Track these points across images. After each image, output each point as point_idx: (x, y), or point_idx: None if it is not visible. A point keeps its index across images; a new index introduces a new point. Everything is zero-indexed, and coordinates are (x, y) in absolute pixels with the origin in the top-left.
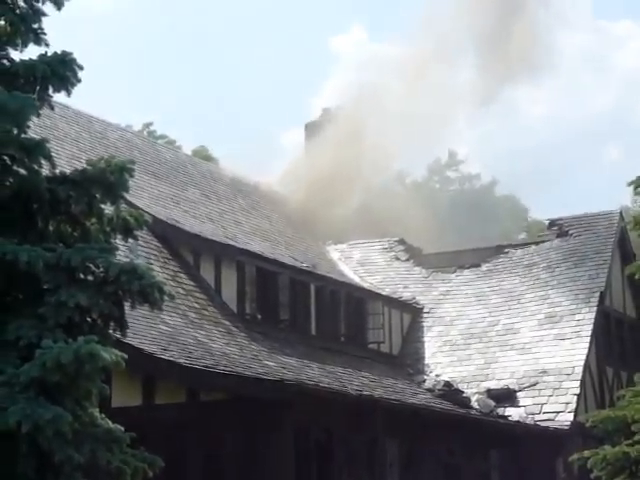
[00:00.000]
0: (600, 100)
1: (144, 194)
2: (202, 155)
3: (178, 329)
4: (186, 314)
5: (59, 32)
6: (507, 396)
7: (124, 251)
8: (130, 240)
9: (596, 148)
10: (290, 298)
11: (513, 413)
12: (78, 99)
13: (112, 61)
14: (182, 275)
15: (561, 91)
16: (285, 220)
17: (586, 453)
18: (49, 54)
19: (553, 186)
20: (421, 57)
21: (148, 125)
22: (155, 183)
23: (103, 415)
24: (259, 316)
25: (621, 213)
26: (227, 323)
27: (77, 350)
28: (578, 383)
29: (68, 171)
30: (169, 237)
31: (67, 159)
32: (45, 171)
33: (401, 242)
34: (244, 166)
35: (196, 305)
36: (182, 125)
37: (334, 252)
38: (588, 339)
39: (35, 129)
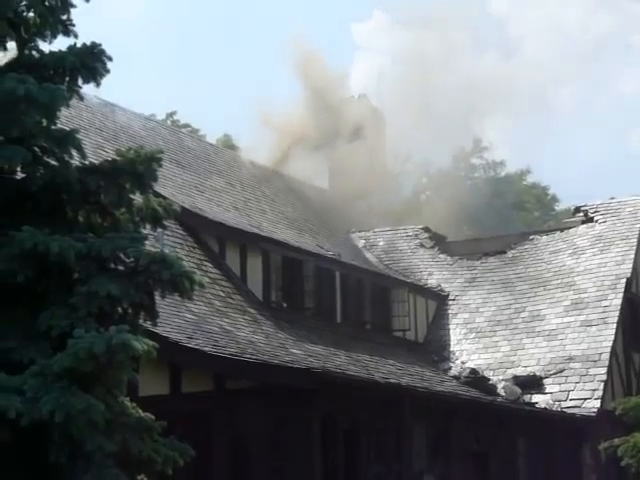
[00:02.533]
0: (629, 83)
1: (168, 183)
2: (226, 144)
3: (203, 317)
4: (211, 302)
5: (87, 22)
6: (533, 383)
7: (150, 240)
8: (158, 230)
9: (624, 132)
10: (315, 286)
11: (540, 400)
12: (102, 88)
13: (136, 50)
14: (207, 263)
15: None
16: (309, 208)
17: (616, 441)
18: (78, 45)
19: (580, 173)
20: (444, 43)
21: (172, 114)
22: (179, 172)
23: (134, 404)
24: (285, 304)
25: None
26: (253, 311)
27: (109, 340)
28: (605, 370)
29: (94, 160)
30: (194, 226)
31: (92, 149)
32: (75, 162)
33: (426, 229)
34: (268, 155)
35: (221, 293)
36: (206, 114)
37: (359, 240)
38: (614, 325)
39: (60, 119)
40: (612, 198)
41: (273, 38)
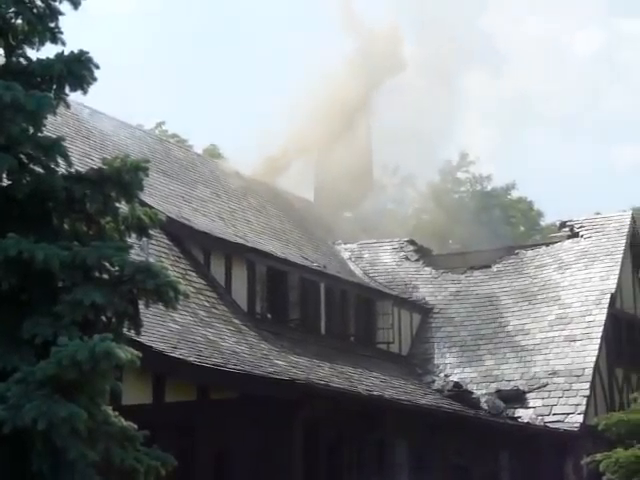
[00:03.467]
0: (612, 99)
1: (154, 192)
2: (213, 154)
3: (188, 327)
4: (196, 312)
5: (75, 31)
6: (517, 397)
7: (135, 249)
8: (143, 239)
9: (610, 149)
10: (300, 297)
11: (523, 414)
12: (89, 97)
13: (124, 59)
14: (192, 273)
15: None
16: (295, 219)
17: (598, 456)
18: (66, 53)
19: (566, 188)
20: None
21: (160, 124)
22: (165, 181)
23: (116, 413)
24: (269, 315)
25: (632, 215)
26: (237, 322)
27: (93, 348)
28: (588, 385)
29: (80, 168)
30: (179, 235)
31: (78, 156)
32: (61, 169)
33: (411, 242)
34: (255, 165)
35: (206, 303)
36: (194, 124)
37: (344, 252)
38: (598, 341)
39: (46, 126)
40: (597, 213)
41: (263, 45)
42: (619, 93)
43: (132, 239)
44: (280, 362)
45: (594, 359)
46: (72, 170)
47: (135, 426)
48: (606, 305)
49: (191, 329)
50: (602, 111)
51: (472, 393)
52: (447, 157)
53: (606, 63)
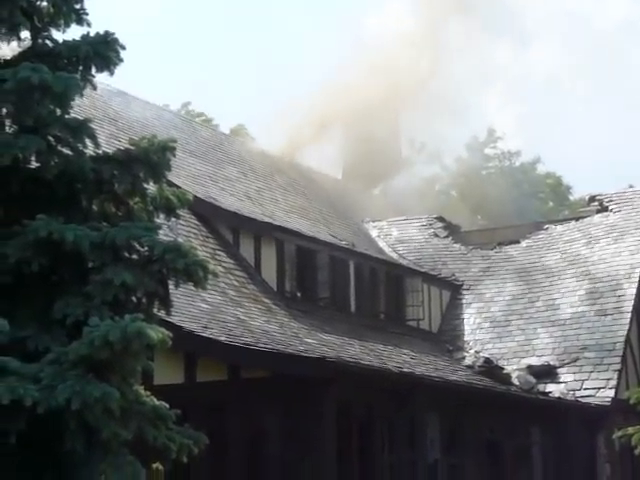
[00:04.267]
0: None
1: (182, 172)
2: (240, 133)
3: (218, 307)
4: (225, 292)
5: (100, 12)
6: (548, 372)
7: (164, 230)
8: (172, 219)
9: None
10: (329, 276)
11: (554, 389)
12: (116, 78)
13: (151, 39)
14: (221, 253)
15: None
16: (323, 198)
17: (630, 430)
18: (91, 34)
19: (596, 162)
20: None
21: (186, 104)
22: (193, 161)
23: (148, 393)
24: (299, 294)
25: None
26: (267, 301)
27: (124, 328)
28: (619, 359)
29: (108, 150)
30: (207, 215)
31: (106, 138)
32: (89, 151)
33: (440, 219)
34: (282, 144)
35: (235, 283)
36: (221, 104)
37: (372, 229)
38: (629, 315)
39: (74, 108)
40: (631, 186)
41: (294, 22)
42: None
43: (161, 219)
44: (310, 340)
45: (625, 333)
46: (100, 151)
47: (167, 405)
48: (636, 279)
49: (221, 309)
50: (633, 80)
51: (503, 369)
52: (475, 133)
53: (634, 32)
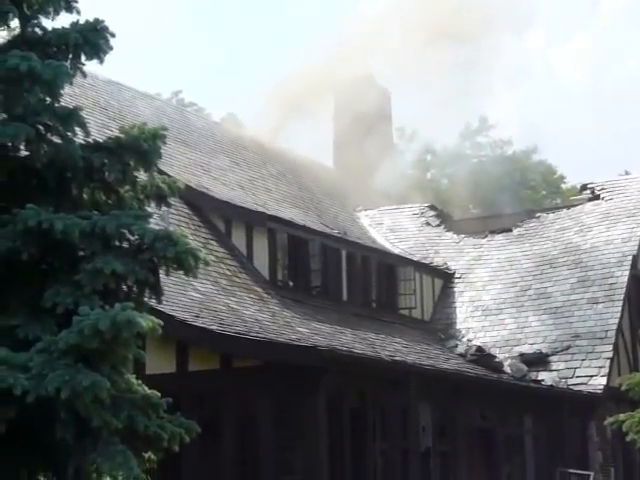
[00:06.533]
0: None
1: (174, 162)
2: (231, 123)
3: (210, 296)
4: (217, 281)
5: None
6: (540, 360)
7: (155, 219)
8: (162, 208)
9: (634, 109)
10: (321, 265)
11: (546, 377)
12: (107, 67)
13: (141, 29)
14: (213, 242)
15: (599, 51)
16: (315, 187)
17: (621, 416)
18: (81, 22)
19: (589, 150)
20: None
21: (177, 93)
22: (184, 150)
23: (140, 382)
24: (291, 283)
25: None
26: (259, 290)
27: (114, 317)
28: (611, 347)
29: (99, 139)
30: (200, 205)
31: (97, 127)
32: (79, 139)
33: (432, 208)
34: (273, 133)
35: (227, 272)
36: (211, 92)
37: (364, 218)
38: (621, 303)
39: (65, 97)
40: (627, 172)
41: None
42: None
43: (152, 208)
44: (302, 329)
45: (617, 321)
46: (90, 140)
47: (158, 394)
48: (628, 267)
49: (213, 298)
50: (630, 68)
51: (495, 357)
52: (467, 121)
53: (632, 20)
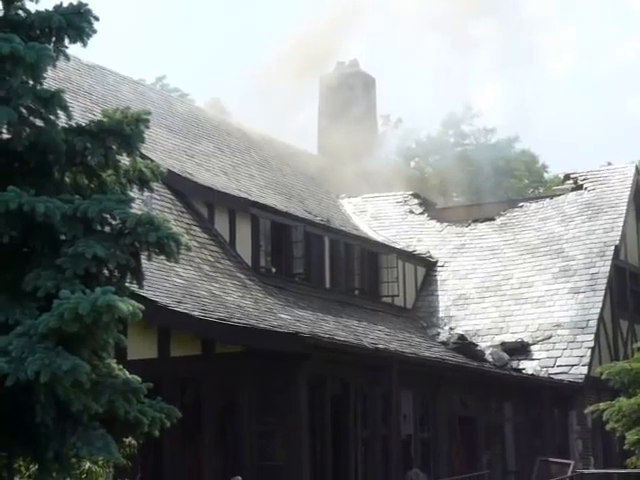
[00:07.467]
0: (625, 49)
1: (157, 147)
2: (215, 108)
3: (192, 282)
4: (200, 267)
5: None
6: (521, 349)
7: (138, 204)
8: (145, 193)
9: (618, 100)
10: (304, 251)
11: (527, 366)
12: (91, 51)
13: (125, 13)
14: (196, 228)
15: (584, 41)
16: (298, 174)
17: (601, 405)
18: (64, 5)
19: (572, 140)
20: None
21: (161, 79)
22: (168, 136)
23: (121, 366)
24: (273, 269)
25: (637, 167)
26: (241, 276)
27: (94, 301)
28: (592, 336)
29: (81, 123)
30: (183, 190)
31: (80, 111)
32: (62, 123)
33: (415, 196)
34: (258, 119)
35: (210, 258)
36: (195, 78)
37: (348, 205)
38: (602, 293)
39: (48, 81)
40: (609, 164)
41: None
42: (633, 42)
43: (135, 193)
44: (285, 316)
45: (598, 311)
46: (72, 123)
47: (139, 379)
48: (610, 257)
49: (195, 284)
50: (617, 59)
51: (477, 345)
52: (451, 109)
53: (620, 12)
